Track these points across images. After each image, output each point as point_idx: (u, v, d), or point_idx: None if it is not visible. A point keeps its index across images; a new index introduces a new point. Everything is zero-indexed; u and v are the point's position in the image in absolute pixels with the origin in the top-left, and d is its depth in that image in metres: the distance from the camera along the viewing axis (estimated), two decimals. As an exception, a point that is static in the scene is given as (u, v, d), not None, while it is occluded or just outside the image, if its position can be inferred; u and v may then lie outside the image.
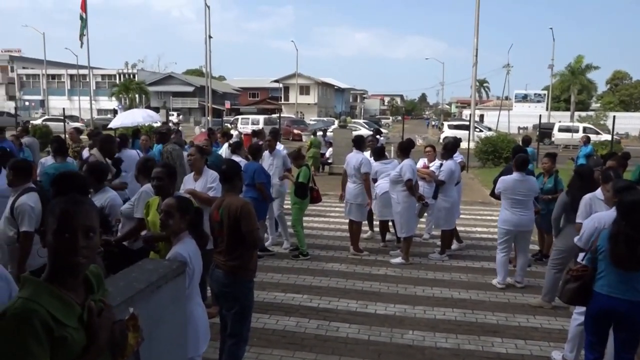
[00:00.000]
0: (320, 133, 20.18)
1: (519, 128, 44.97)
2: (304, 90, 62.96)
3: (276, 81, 65.14)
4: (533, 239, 7.81)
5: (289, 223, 8.00)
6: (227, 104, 55.38)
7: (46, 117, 37.67)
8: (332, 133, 19.66)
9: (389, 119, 69.46)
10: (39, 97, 58.29)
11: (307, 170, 7.63)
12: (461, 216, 8.56)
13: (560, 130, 31.98)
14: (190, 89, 58.58)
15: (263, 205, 6.96)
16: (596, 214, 4.26)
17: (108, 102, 52.96)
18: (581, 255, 4.05)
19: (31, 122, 25.57)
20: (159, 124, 16.57)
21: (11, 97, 60.16)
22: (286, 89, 64.55)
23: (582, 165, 9.07)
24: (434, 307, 5.70)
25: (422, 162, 8.57)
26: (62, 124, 24.12)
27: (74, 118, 37.69)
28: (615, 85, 68.43)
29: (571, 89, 50.00)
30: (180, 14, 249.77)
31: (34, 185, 4.41)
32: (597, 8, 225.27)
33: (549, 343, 4.83)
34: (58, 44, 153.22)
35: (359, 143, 7.95)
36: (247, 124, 32.92)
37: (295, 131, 33.56)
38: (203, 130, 20.27)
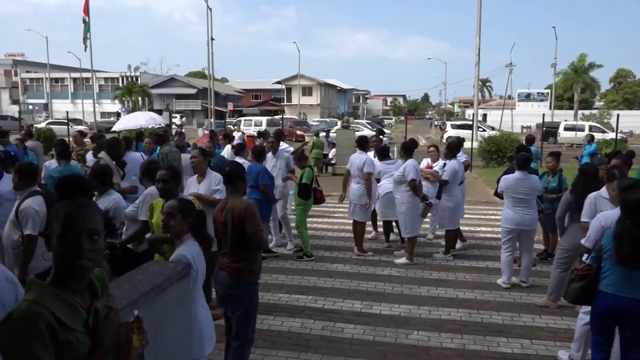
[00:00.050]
0: (323, 134, 20.19)
1: (522, 127, 44.84)
2: (307, 91, 62.98)
3: (278, 82, 65.20)
4: (538, 238, 7.79)
5: (292, 224, 8.00)
6: (230, 106, 55.44)
7: (50, 120, 37.83)
8: (335, 134, 19.67)
9: (391, 119, 69.47)
10: (43, 101, 58.49)
11: (310, 171, 7.63)
12: (465, 216, 8.54)
13: (567, 129, 31.81)
14: (193, 91, 58.66)
15: (267, 206, 6.96)
16: (602, 213, 4.24)
17: (111, 105, 53.10)
18: (586, 254, 4.04)
19: (35, 125, 25.72)
20: (162, 126, 16.61)
21: (15, 101, 60.39)
22: (289, 90, 64.58)
23: (586, 164, 9.04)
24: (439, 307, 5.68)
25: (425, 162, 8.56)
26: (65, 127, 24.20)
27: (77, 121, 37.87)
28: (618, 83, 68.19)
29: (574, 88, 49.80)
30: (182, 17, 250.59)
31: (39, 189, 4.42)
32: (600, 6, 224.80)
33: (555, 342, 4.81)
34: (61, 47, 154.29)
35: (363, 143, 7.95)
36: (250, 126, 32.94)
37: (298, 132, 33.58)
38: (206, 132, 20.29)
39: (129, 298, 2.36)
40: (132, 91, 48.12)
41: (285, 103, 63.45)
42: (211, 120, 34.49)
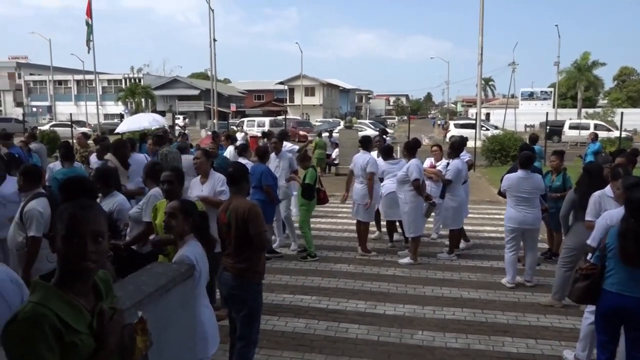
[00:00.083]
0: (326, 134, 20.17)
1: (526, 126, 44.73)
2: (309, 91, 63.00)
3: (281, 83, 65.25)
4: (542, 237, 7.76)
5: (296, 225, 8.00)
6: (233, 107, 55.50)
7: (53, 122, 37.95)
8: (337, 134, 19.65)
9: (394, 119, 69.35)
10: (46, 103, 58.70)
11: (314, 172, 7.63)
12: (469, 215, 8.52)
13: (571, 127, 31.67)
14: (196, 92, 58.77)
15: (270, 207, 6.96)
16: (607, 212, 4.22)
17: (114, 107, 53.22)
18: (591, 253, 4.02)
19: (39, 128, 25.78)
20: (161, 127, 16.64)
21: (19, 104, 60.64)
22: (291, 90, 64.61)
23: (590, 162, 9.01)
24: (443, 307, 5.67)
25: (428, 161, 8.55)
26: (69, 129, 24.29)
27: (81, 123, 37.96)
28: (622, 81, 67.92)
29: (578, 86, 49.66)
30: (185, 18, 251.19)
31: (43, 191, 4.44)
32: (603, 4, 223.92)
33: (560, 342, 4.79)
34: (64, 50, 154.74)
35: (366, 143, 7.94)
36: (252, 127, 32.98)
37: (301, 132, 33.58)
38: (209, 133, 20.32)
39: (133, 299, 2.36)
40: (135, 93, 48.23)
41: (287, 103, 63.48)
42: (214, 121, 34.55)
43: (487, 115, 50.33)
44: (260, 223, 3.82)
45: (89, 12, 31.99)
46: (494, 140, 19.90)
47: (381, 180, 7.87)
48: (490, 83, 79.80)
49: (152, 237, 4.20)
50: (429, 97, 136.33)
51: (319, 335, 4.95)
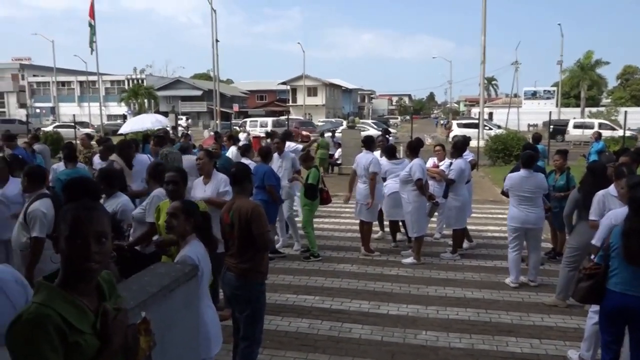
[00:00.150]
0: (328, 134, 20.17)
1: (529, 125, 44.63)
2: (312, 91, 63.00)
3: (284, 83, 65.29)
4: (546, 237, 7.74)
5: (299, 225, 8.00)
6: (236, 107, 55.57)
7: (57, 123, 38.05)
8: (340, 134, 19.65)
9: (397, 118, 69.34)
10: (50, 104, 58.92)
11: (317, 172, 7.63)
12: (472, 215, 8.50)
13: (576, 126, 31.56)
14: (199, 92, 58.87)
15: (273, 207, 6.96)
16: (612, 211, 4.21)
17: (117, 108, 53.36)
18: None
19: (42, 129, 25.88)
20: (168, 128, 16.67)
21: (22, 105, 60.85)
22: (294, 90, 64.64)
23: (594, 161, 8.98)
24: (447, 307, 5.66)
25: (431, 161, 8.54)
26: (72, 130, 24.34)
27: (84, 124, 38.02)
28: (625, 80, 67.65)
29: (581, 85, 49.51)
30: (187, 19, 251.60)
31: (47, 191, 4.45)
32: (606, 2, 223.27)
33: (565, 342, 4.78)
34: (67, 51, 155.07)
35: (369, 143, 7.93)
36: (255, 127, 33.01)
37: (304, 132, 33.59)
38: (211, 133, 20.34)
39: (137, 299, 2.36)
40: (138, 94, 48.35)
41: (290, 104, 63.52)
42: (217, 121, 34.57)
43: (490, 114, 50.24)
44: (263, 223, 3.82)
45: (92, 14, 32.06)
46: (497, 139, 19.85)
47: (384, 180, 7.86)
48: (493, 82, 79.58)
49: (155, 237, 4.21)
50: (431, 96, 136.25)
51: (323, 335, 4.94)
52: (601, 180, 5.16)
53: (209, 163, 5.55)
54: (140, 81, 56.45)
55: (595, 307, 4.11)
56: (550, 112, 24.82)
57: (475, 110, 53.48)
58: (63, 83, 61.58)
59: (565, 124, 32.57)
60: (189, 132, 19.32)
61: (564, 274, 5.57)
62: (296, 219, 8.22)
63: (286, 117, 32.84)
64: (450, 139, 24.67)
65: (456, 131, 29.28)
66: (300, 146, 10.36)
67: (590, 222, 4.75)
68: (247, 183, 4.08)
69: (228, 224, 3.90)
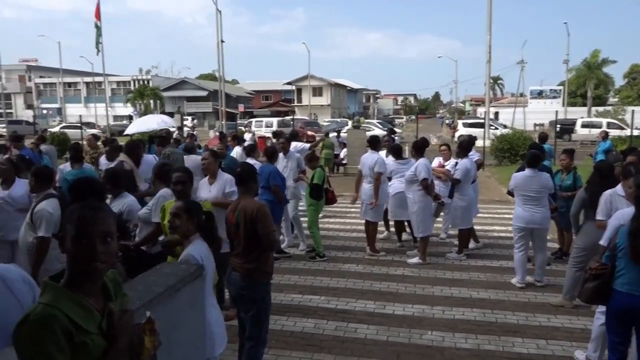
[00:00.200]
0: (333, 134, 20.16)
1: (535, 125, 44.40)
2: (317, 91, 63.00)
3: (289, 83, 65.30)
4: (553, 237, 7.71)
5: (304, 225, 8.00)
6: (241, 107, 55.64)
7: (63, 124, 38.24)
8: (345, 134, 19.63)
9: (402, 118, 69.17)
10: (56, 105, 59.22)
11: (322, 172, 7.63)
12: (478, 215, 8.47)
13: (584, 126, 31.32)
14: (204, 93, 58.98)
15: (278, 207, 6.96)
16: (619, 211, 4.17)
17: (123, 108, 53.55)
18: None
19: (49, 129, 26.00)
20: (173, 128, 16.71)
21: (29, 106, 61.22)
22: (299, 90, 64.64)
23: (601, 161, 8.92)
24: (452, 307, 5.64)
25: (437, 161, 8.52)
26: (79, 131, 24.47)
27: (90, 125, 38.22)
28: (633, 79, 67.05)
29: (587, 84, 49.22)
30: (193, 20, 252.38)
31: (54, 192, 4.48)
32: (613, 1, 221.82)
33: (571, 343, 4.75)
34: (73, 52, 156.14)
35: (374, 143, 7.92)
36: (260, 127, 33.04)
37: (309, 132, 33.58)
38: (217, 134, 20.39)
39: (143, 299, 2.37)
40: (144, 94, 48.50)
41: (295, 104, 63.52)
42: (222, 122, 34.64)
43: (496, 114, 50.05)
44: (268, 223, 3.82)
45: (98, 15, 32.20)
46: (503, 139, 19.77)
47: (389, 179, 7.84)
48: (498, 82, 79.29)
49: (161, 238, 4.22)
50: (437, 96, 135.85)
51: (328, 335, 4.94)
52: (608, 179, 5.13)
53: (214, 163, 5.56)
54: (146, 82, 56.65)
55: (602, 308, 4.08)
56: (556, 112, 24.77)
57: (480, 110, 53.29)
58: (69, 84, 61.91)
59: (572, 123, 32.35)
60: (195, 133, 19.36)
61: (570, 274, 5.54)
62: (301, 219, 8.22)
63: (291, 117, 32.86)
64: (455, 139, 24.59)
65: (462, 131, 29.15)
66: (307, 145, 10.36)
67: (597, 222, 4.72)
68: (253, 183, 4.09)
69: (233, 223, 3.90)
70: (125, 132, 17.46)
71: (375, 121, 37.64)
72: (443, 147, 8.74)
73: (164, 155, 7.39)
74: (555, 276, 6.53)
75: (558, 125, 25.00)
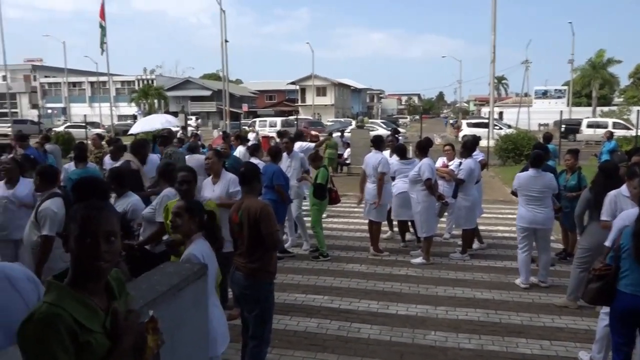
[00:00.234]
0: (337, 134, 20.17)
1: (540, 125, 44.23)
2: (321, 91, 63.00)
3: (293, 83, 65.34)
4: (557, 238, 7.68)
5: (308, 224, 8.00)
6: (245, 107, 55.71)
7: (68, 124, 38.40)
8: (349, 134, 19.64)
9: (406, 118, 69.15)
10: (61, 105, 59.42)
11: (325, 171, 7.63)
12: (482, 215, 8.44)
13: (589, 126, 31.14)
14: (208, 93, 59.07)
15: (282, 207, 6.97)
16: (624, 212, 4.15)
17: (128, 108, 53.73)
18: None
19: (53, 129, 26.12)
20: (178, 128, 16.75)
21: (34, 106, 61.48)
22: (303, 90, 64.67)
23: (606, 161, 8.88)
24: (456, 307, 5.63)
25: (441, 161, 8.50)
26: (83, 130, 24.56)
27: (95, 124, 38.35)
28: (638, 79, 66.72)
29: (592, 84, 49.01)
30: (197, 20, 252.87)
31: (59, 191, 4.50)
32: (618, 0, 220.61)
33: (576, 344, 4.73)
34: (78, 52, 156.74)
35: (378, 143, 7.92)
36: (264, 127, 33.07)
37: (313, 132, 33.59)
38: (220, 133, 20.43)
39: (146, 298, 2.37)
40: (148, 94, 48.64)
41: (299, 103, 63.55)
42: (226, 121, 34.67)
43: (500, 114, 49.89)
44: (272, 223, 3.83)
45: (102, 15, 32.28)
46: (507, 139, 19.72)
47: (393, 179, 7.83)
48: (503, 81, 79.04)
49: (165, 237, 4.23)
50: (441, 96, 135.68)
51: (331, 335, 4.94)
52: (613, 180, 5.10)
53: (217, 163, 5.57)
54: (150, 81, 56.80)
55: (606, 309, 4.06)
56: (561, 112, 24.62)
57: (485, 110, 53.08)
58: (74, 84, 62.11)
59: (577, 123, 32.18)
60: (199, 132, 19.41)
61: (575, 274, 5.52)
62: (305, 218, 8.23)
63: (295, 117, 32.86)
64: (459, 139, 24.54)
65: (466, 131, 29.07)
66: (312, 145, 10.36)
67: (602, 222, 4.70)
68: (256, 183, 4.09)
69: (237, 223, 3.91)
70: (130, 132, 17.52)
71: (379, 121, 37.67)
72: (447, 147, 8.72)
73: (165, 155, 7.41)
74: (559, 277, 6.51)
75: (563, 126, 24.84)
